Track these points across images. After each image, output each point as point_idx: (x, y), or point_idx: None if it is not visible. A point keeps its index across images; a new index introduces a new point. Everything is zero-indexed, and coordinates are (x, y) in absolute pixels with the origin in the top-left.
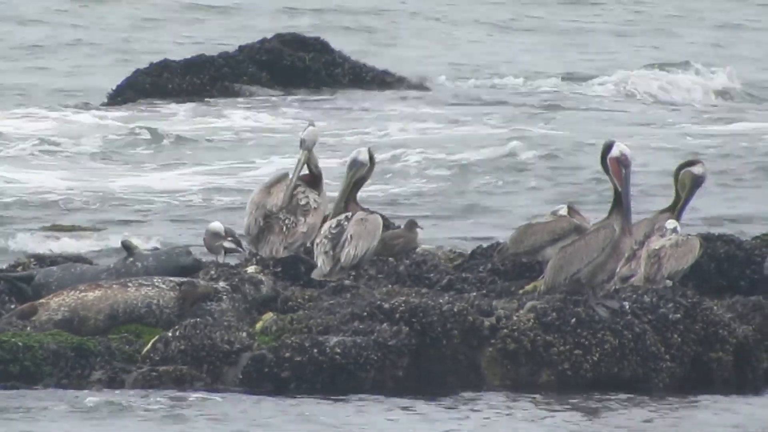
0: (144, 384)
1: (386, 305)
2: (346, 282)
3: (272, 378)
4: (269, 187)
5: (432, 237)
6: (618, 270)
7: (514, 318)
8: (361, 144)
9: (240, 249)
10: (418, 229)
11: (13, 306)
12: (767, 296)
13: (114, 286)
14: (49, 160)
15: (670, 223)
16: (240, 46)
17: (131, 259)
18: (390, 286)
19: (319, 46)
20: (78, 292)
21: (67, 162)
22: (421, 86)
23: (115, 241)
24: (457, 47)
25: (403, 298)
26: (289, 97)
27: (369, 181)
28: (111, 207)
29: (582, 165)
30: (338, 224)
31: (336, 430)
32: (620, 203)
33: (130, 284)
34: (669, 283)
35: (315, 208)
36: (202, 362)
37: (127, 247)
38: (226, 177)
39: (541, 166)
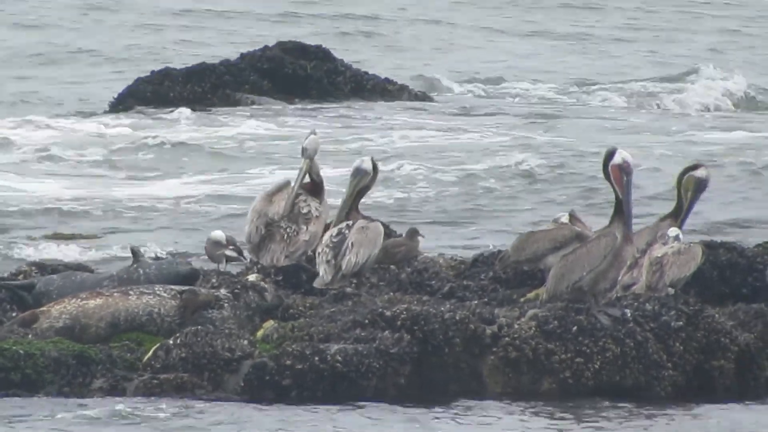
0: (145, 392)
1: (388, 313)
2: (348, 290)
3: (273, 386)
4: (271, 196)
5: (434, 245)
6: (620, 278)
7: (516, 326)
8: (364, 153)
9: (241, 257)
10: (419, 237)
11: (14, 314)
12: None
13: (115, 294)
14: (51, 169)
15: (672, 231)
16: (241, 54)
17: (135, 265)
18: (391, 293)
19: (321, 54)
20: (79, 299)
21: (69, 170)
22: (423, 94)
23: (117, 249)
24: (458, 53)
25: (405, 306)
26: (291, 106)
27: (371, 189)
28: (112, 215)
29: (584, 172)
30: (339, 233)
31: None
32: (622, 211)
33: (131, 292)
34: (671, 290)
35: (316, 217)
36: (203, 370)
37: (134, 253)
38: (227, 185)
39: (545, 173)
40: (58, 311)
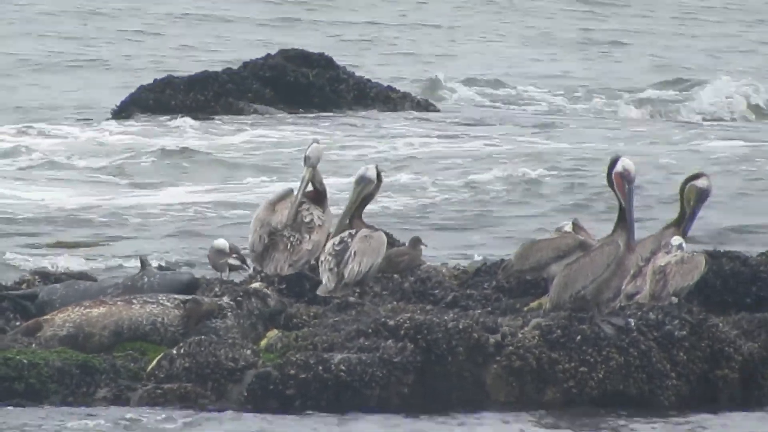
0: (149, 402)
1: (391, 322)
2: (351, 299)
3: (277, 395)
4: (274, 204)
5: (438, 253)
6: (623, 287)
7: (519, 335)
8: (367, 161)
9: (245, 266)
10: (422, 246)
11: (17, 323)
12: None
13: (119, 302)
14: (53, 176)
15: (676, 240)
16: (244, 62)
17: (140, 273)
18: (395, 302)
19: (323, 62)
20: (83, 308)
21: (71, 178)
22: (426, 102)
23: (120, 258)
24: (460, 60)
25: (408, 315)
26: (293, 114)
27: (375, 197)
28: (115, 223)
29: (588, 181)
30: (342, 241)
31: None
32: (625, 219)
33: (134, 301)
34: (674, 300)
35: (319, 225)
36: (207, 380)
37: (142, 263)
38: (229, 193)
39: (549, 181)
40: (62, 320)
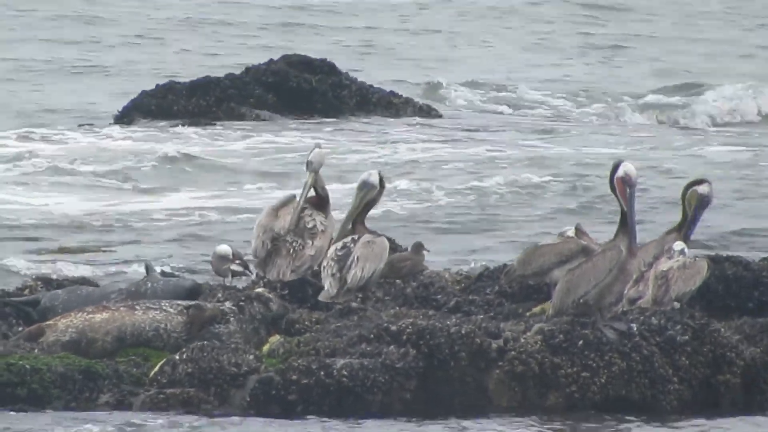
0: (152, 407)
1: (393, 327)
2: (354, 304)
3: (279, 401)
4: (276, 210)
5: (439, 258)
6: (626, 292)
7: (522, 340)
8: (369, 166)
9: (247, 272)
10: (424, 252)
11: (20, 329)
12: None
13: (121, 308)
14: (55, 182)
15: (678, 245)
16: (246, 68)
17: (144, 279)
18: (397, 308)
19: (326, 68)
20: (85, 313)
21: (73, 184)
22: (428, 107)
23: (122, 263)
24: (462, 64)
25: (411, 321)
26: (296, 119)
27: (378, 203)
28: (117, 228)
29: (591, 186)
30: (344, 246)
31: None
32: (626, 224)
33: (137, 307)
34: (677, 305)
35: (322, 231)
36: (210, 385)
37: (147, 269)
38: (232, 199)
39: (552, 186)
40: (65, 325)
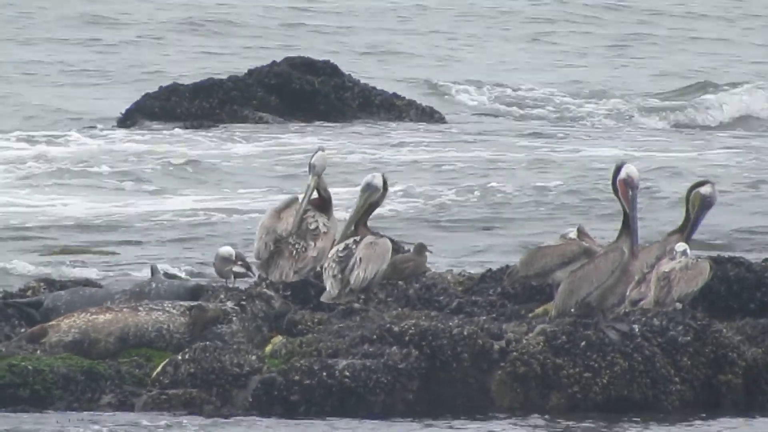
0: (154, 407)
1: (396, 328)
2: (356, 305)
3: (282, 401)
4: (279, 212)
5: (443, 260)
6: (628, 293)
7: (524, 341)
8: (372, 168)
9: (250, 273)
10: (427, 253)
11: (23, 330)
12: None
13: (124, 309)
14: (59, 184)
15: (680, 246)
16: (249, 70)
17: (149, 280)
18: (400, 309)
19: (329, 70)
20: (88, 314)
21: (76, 185)
22: (431, 109)
23: (126, 265)
24: (464, 66)
25: (413, 322)
26: (299, 121)
27: (381, 205)
28: (120, 230)
29: (594, 187)
30: (346, 247)
31: None
32: (629, 225)
33: (140, 308)
34: (679, 306)
35: (325, 233)
36: (212, 385)
37: (152, 270)
38: (235, 201)
39: (555, 187)
40: (68, 325)
